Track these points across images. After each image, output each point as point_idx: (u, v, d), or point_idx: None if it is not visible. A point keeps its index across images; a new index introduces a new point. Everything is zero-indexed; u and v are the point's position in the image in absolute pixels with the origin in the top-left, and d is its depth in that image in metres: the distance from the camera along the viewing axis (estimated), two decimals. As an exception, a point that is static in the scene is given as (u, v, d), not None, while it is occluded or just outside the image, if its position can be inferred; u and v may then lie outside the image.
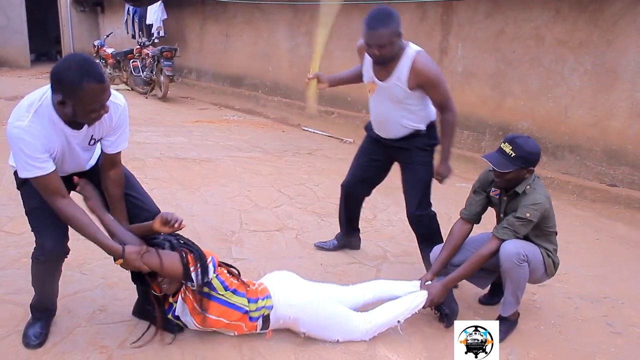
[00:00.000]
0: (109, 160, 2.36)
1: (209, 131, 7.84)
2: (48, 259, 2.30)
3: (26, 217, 2.35)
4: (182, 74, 12.55)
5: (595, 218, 4.72)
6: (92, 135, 2.25)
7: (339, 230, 3.70)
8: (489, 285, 2.95)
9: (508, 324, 2.68)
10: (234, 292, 2.45)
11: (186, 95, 11.64)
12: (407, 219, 3.24)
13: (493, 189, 2.71)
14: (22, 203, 2.37)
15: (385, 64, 2.83)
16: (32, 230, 2.33)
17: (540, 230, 2.62)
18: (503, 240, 2.56)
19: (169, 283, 2.35)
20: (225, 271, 2.51)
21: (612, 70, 5.04)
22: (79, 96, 1.97)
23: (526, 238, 2.63)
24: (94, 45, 13.00)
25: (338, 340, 2.54)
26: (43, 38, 18.17)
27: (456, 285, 2.78)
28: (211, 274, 2.37)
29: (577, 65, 5.31)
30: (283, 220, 4.22)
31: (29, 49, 16.07)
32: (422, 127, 3.04)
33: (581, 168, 5.38)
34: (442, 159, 3.10)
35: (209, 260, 2.38)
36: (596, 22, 5.11)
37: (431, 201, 3.18)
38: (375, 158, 3.30)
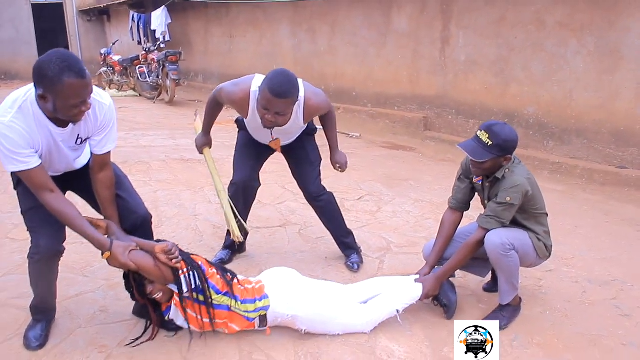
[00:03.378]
0: (98, 162, 2.35)
1: (215, 132, 7.76)
2: (42, 257, 2.30)
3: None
4: (189, 77, 12.61)
5: (605, 201, 4.64)
6: (78, 134, 2.25)
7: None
8: (490, 273, 2.91)
9: (510, 310, 2.63)
10: (227, 295, 2.40)
11: (194, 98, 11.68)
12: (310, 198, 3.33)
13: (475, 176, 2.67)
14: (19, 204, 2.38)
15: (271, 129, 2.86)
16: (27, 230, 2.34)
17: (527, 213, 2.56)
18: (488, 230, 2.50)
19: (160, 292, 2.33)
20: (218, 275, 2.43)
21: (616, 51, 4.94)
22: (59, 90, 1.97)
23: (515, 221, 2.57)
24: (101, 54, 13.12)
25: (339, 334, 2.52)
26: (52, 49, 18.36)
27: (453, 274, 2.74)
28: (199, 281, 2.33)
29: (580, 48, 5.22)
30: (286, 216, 4.21)
31: (38, 61, 16.26)
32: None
33: (589, 151, 5.29)
34: (334, 149, 3.30)
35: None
36: (597, 3, 5.02)
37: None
38: (259, 147, 3.25)
